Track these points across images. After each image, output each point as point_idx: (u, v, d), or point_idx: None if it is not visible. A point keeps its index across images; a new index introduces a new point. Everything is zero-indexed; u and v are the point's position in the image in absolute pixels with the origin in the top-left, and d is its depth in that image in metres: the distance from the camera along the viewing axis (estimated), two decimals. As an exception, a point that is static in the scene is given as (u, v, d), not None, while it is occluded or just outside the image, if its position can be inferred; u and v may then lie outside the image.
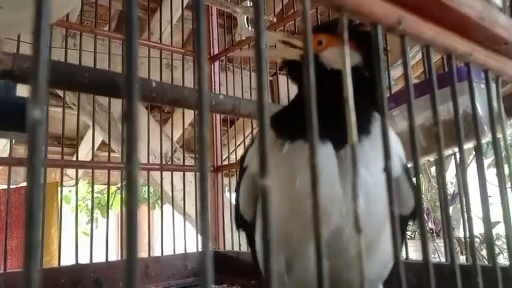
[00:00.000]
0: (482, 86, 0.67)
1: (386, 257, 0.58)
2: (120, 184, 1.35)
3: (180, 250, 1.22)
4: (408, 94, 0.35)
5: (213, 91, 1.32)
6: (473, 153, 1.29)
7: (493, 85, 0.46)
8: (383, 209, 0.56)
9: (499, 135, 0.56)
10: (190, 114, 1.81)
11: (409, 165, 0.86)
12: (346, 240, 0.57)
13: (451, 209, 3.07)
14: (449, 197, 3.10)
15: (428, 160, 0.82)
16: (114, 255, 1.30)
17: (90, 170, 1.23)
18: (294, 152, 0.60)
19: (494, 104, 0.46)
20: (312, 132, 0.25)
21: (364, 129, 0.60)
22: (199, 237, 1.48)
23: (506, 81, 0.49)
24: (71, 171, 1.81)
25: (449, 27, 0.37)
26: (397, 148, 0.64)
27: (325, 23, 0.85)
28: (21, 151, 2.69)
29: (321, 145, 0.57)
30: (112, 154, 1.73)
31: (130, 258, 0.19)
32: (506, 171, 0.46)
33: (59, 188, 1.45)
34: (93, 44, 1.23)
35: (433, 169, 2.94)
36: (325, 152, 0.58)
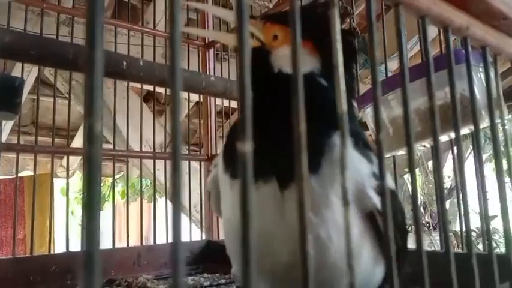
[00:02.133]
0: (481, 69, 0.65)
1: None
2: (113, 176, 1.33)
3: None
4: (403, 70, 0.33)
5: (211, 74, 1.31)
6: (471, 147, 1.27)
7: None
8: (339, 255, 0.50)
9: (498, 121, 0.54)
10: (186, 106, 1.80)
11: (388, 155, 0.83)
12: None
13: (448, 203, 3.07)
14: (446, 191, 3.09)
15: (424, 146, 0.80)
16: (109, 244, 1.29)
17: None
18: (234, 190, 0.55)
19: (493, 86, 0.44)
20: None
21: (313, 162, 0.48)
22: (193, 226, 1.46)
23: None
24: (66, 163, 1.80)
25: (446, -2, 0.35)
26: (363, 175, 0.52)
27: (285, 11, 0.62)
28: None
29: (261, 185, 0.50)
30: (108, 146, 1.71)
31: (89, 246, 0.17)
32: (505, 165, 0.44)
33: (52, 178, 1.43)
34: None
35: (430, 163, 2.93)
36: (267, 193, 0.50)
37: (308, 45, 0.54)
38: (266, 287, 0.57)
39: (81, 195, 0.18)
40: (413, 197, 0.34)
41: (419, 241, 0.30)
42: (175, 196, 0.21)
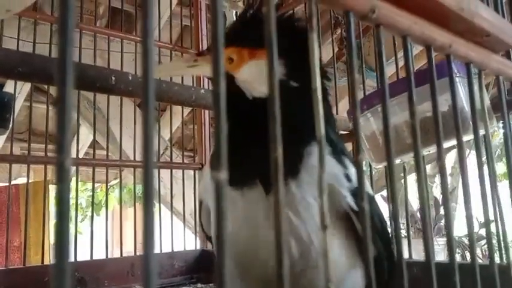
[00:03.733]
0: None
1: None
2: (106, 183, 1.32)
3: (168, 249, 1.21)
4: (383, 88, 0.33)
5: (202, 87, 1.31)
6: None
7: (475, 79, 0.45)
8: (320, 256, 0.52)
9: (482, 132, 0.54)
10: (180, 113, 1.80)
11: (380, 166, 0.84)
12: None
13: (441, 209, 3.08)
14: (441, 201, 3.10)
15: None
16: (103, 254, 1.28)
17: (83, 169, 1.21)
18: (240, 202, 0.55)
19: (477, 98, 0.45)
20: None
21: (292, 169, 0.52)
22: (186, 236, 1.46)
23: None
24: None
25: (427, 17, 0.35)
26: (337, 177, 0.54)
27: (228, 30, 0.58)
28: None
29: (247, 191, 0.53)
30: (102, 152, 1.71)
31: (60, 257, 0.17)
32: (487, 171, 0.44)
33: (47, 186, 1.43)
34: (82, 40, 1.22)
35: (428, 167, 2.93)
36: (253, 197, 0.53)
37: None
38: None
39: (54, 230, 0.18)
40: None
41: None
42: (147, 208, 0.21)
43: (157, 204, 1.31)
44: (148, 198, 0.20)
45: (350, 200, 0.53)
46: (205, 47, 1.45)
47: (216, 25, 0.22)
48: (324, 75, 0.62)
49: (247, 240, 0.55)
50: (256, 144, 0.46)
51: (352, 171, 0.55)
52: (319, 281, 0.54)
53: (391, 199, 0.33)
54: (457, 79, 0.63)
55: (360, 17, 0.31)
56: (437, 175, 2.48)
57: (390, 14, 0.32)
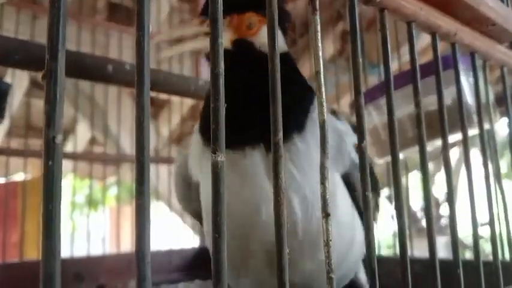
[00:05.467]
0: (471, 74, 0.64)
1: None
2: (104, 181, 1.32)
3: (165, 245, 1.20)
4: (387, 77, 0.32)
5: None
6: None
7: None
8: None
9: (487, 126, 0.53)
10: (179, 109, 1.79)
11: (381, 161, 0.83)
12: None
13: (441, 208, 3.07)
14: (440, 200, 3.09)
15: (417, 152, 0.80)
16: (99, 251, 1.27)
17: (80, 165, 1.20)
18: (236, 166, 0.53)
19: (482, 91, 0.44)
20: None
21: (297, 124, 0.51)
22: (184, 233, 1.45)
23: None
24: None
25: (433, 3, 0.34)
26: (347, 136, 0.55)
27: None
28: None
29: (249, 151, 0.51)
30: (99, 147, 1.70)
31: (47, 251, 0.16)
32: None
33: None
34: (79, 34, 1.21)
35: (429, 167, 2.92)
36: (254, 158, 0.51)
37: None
38: (256, 272, 0.55)
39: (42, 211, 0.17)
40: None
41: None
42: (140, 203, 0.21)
43: (155, 201, 1.30)
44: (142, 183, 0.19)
45: (354, 155, 0.53)
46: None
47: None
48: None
49: (247, 201, 0.51)
50: (262, 102, 0.46)
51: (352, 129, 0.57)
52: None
53: (396, 195, 0.32)
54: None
55: (364, 1, 0.30)
56: (437, 174, 2.48)
57: (395, -1, 0.31)
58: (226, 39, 0.54)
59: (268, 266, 0.53)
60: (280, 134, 0.23)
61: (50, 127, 0.16)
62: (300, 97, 0.53)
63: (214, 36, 0.21)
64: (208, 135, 0.56)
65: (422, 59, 2.18)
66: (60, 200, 0.17)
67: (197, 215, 0.64)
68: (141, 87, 0.20)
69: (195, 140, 0.58)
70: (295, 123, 0.51)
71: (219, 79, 0.21)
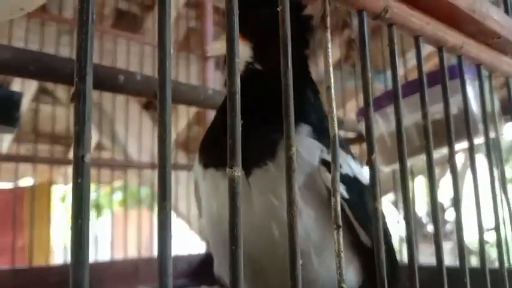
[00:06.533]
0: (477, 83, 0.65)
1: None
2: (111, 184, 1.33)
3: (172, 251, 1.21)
4: (395, 88, 0.33)
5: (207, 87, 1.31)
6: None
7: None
8: (302, 241, 0.51)
9: (492, 135, 0.54)
10: (185, 114, 1.80)
11: (387, 169, 0.83)
12: (267, 261, 0.54)
13: (446, 214, 3.06)
14: (445, 205, 3.08)
15: (423, 159, 0.80)
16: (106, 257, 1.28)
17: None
18: (206, 180, 0.56)
19: (487, 101, 0.44)
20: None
21: (269, 150, 0.51)
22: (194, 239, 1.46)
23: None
24: (65, 172, 1.79)
25: (439, 18, 0.35)
26: (315, 158, 0.53)
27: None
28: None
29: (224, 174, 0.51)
30: (106, 153, 1.71)
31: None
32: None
33: (52, 187, 1.44)
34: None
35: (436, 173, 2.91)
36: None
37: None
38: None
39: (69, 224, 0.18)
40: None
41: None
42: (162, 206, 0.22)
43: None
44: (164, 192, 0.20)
45: (342, 188, 0.51)
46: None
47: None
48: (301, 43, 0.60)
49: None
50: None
51: (342, 154, 0.54)
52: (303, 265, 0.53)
53: (404, 201, 0.32)
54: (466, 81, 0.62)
55: (373, 17, 0.31)
56: (442, 179, 2.48)
57: (403, 14, 0.32)
58: None
59: (253, 276, 0.55)
60: (293, 149, 0.24)
61: (79, 147, 0.17)
62: (268, 118, 0.52)
63: (230, 56, 0.22)
64: (206, 154, 0.56)
65: (426, 66, 2.17)
66: (89, 214, 0.18)
67: None
68: (163, 104, 0.21)
69: (196, 159, 0.60)
70: (268, 150, 0.51)
71: (236, 97, 0.22)
